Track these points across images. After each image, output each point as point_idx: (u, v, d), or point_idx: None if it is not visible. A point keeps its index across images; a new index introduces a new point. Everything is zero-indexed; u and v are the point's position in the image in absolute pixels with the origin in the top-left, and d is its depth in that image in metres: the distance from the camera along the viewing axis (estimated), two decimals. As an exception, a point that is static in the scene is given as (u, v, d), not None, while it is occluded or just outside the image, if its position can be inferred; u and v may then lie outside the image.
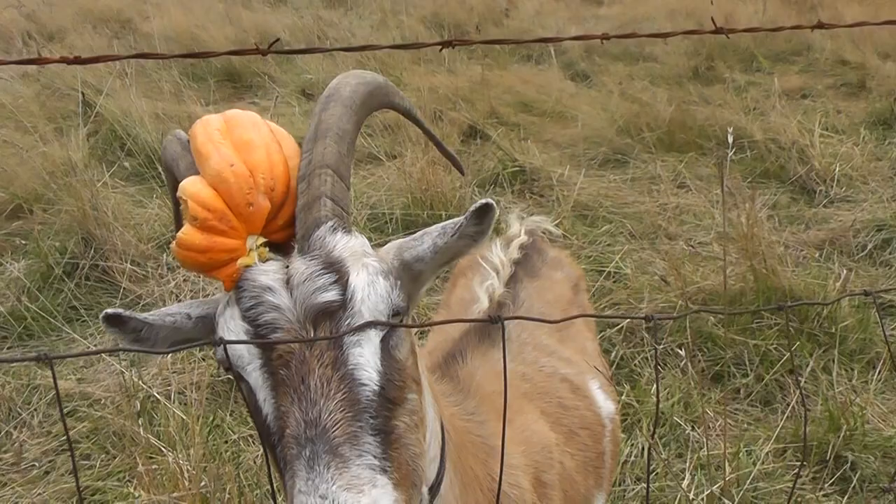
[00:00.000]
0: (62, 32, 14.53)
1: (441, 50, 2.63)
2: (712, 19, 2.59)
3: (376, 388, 1.70)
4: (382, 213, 7.45)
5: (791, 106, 10.59)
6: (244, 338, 1.71)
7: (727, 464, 4.55)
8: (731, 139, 5.57)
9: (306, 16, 16.21)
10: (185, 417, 4.69)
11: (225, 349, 1.70)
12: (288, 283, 1.71)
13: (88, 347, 5.97)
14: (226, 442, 4.73)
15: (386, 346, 1.75)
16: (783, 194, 8.40)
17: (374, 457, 1.63)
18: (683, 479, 4.52)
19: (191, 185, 1.75)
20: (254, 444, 4.79)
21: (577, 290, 3.87)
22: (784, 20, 15.25)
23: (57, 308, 6.43)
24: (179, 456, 4.10)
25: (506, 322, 3.17)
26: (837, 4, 16.17)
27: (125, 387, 5.13)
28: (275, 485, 1.76)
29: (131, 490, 4.29)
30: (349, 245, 1.77)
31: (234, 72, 12.52)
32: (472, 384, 2.74)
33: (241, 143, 1.79)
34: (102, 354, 5.91)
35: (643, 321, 1.56)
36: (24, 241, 7.60)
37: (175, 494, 3.83)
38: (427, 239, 1.89)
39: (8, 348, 6.27)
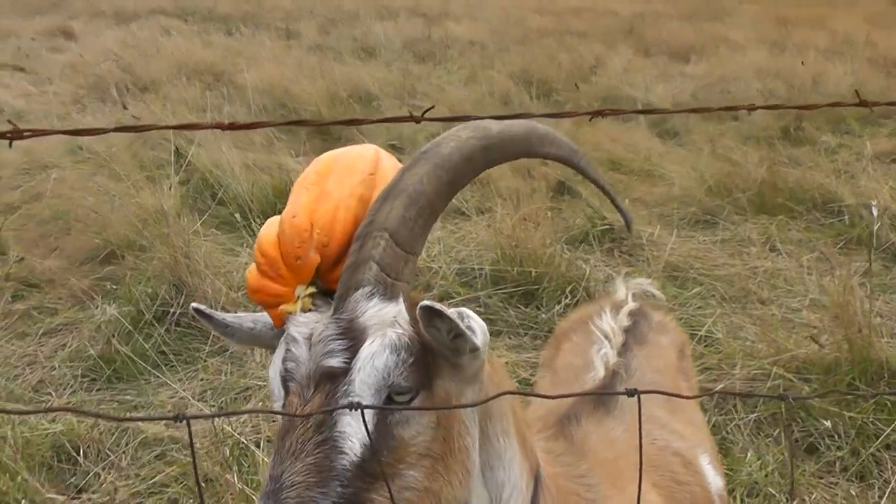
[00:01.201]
0: (156, 84, 14.92)
1: (591, 119, 2.60)
2: (856, 92, 2.53)
3: (355, 459, 1.66)
4: (472, 269, 7.44)
5: (882, 169, 10.39)
6: (278, 379, 1.79)
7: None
8: (875, 211, 5.44)
9: (396, 70, 16.43)
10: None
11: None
12: (310, 338, 1.76)
13: (178, 392, 6.04)
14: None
15: (384, 422, 1.72)
16: (875, 262, 8.19)
17: None
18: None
19: (264, 229, 1.90)
20: None
21: (683, 356, 3.81)
22: (873, 81, 15.04)
23: (146, 353, 6.52)
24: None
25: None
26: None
27: (215, 433, 5.15)
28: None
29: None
30: (381, 312, 1.75)
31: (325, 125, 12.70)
32: (586, 447, 2.72)
33: (322, 194, 1.86)
34: (192, 398, 5.99)
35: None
36: (114, 286, 7.76)
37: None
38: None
39: (97, 390, 6.38)
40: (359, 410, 1.62)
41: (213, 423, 5.31)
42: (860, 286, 7.46)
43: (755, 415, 5.58)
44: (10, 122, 1.48)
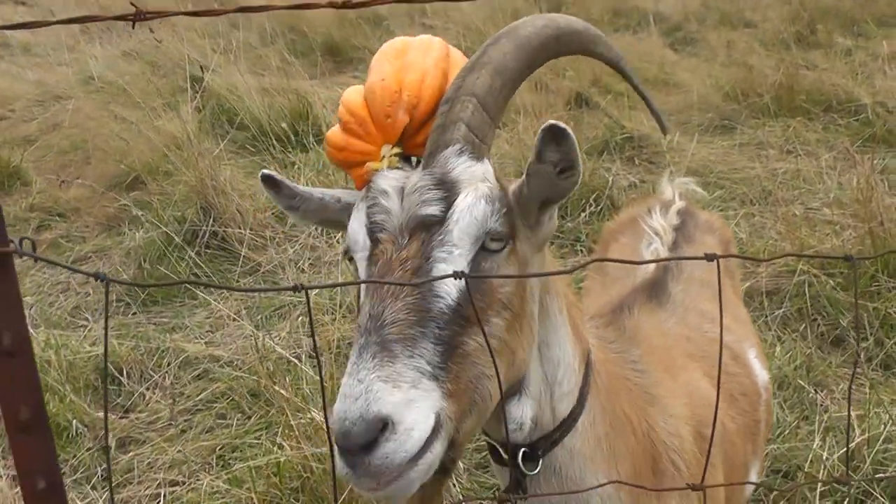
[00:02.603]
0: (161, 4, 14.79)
1: None
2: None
3: (451, 302, 1.75)
4: (495, 181, 7.51)
5: (893, 70, 10.35)
6: (363, 231, 1.86)
7: (856, 426, 4.53)
8: None
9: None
10: (316, 377, 4.82)
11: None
12: (402, 191, 1.83)
13: (217, 310, 6.16)
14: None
15: (478, 266, 1.82)
16: (892, 158, 8.22)
17: (428, 363, 1.68)
18: (813, 440, 4.50)
19: (347, 93, 1.98)
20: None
21: (728, 253, 3.90)
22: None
23: (179, 275, 6.62)
24: (320, 413, 4.23)
25: (672, 285, 3.22)
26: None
27: (257, 348, 5.28)
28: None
29: (277, 444, 4.42)
30: (471, 169, 1.84)
31: (336, 46, 12.69)
32: (639, 335, 2.79)
33: (405, 65, 1.93)
34: (227, 318, 6.11)
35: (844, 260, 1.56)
36: (140, 212, 7.84)
37: (324, 449, 3.95)
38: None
39: (133, 314, 6.51)
40: (455, 258, 1.78)
41: (254, 340, 5.43)
42: (878, 183, 7.53)
43: (782, 310, 5.68)
44: (132, 3, 1.53)
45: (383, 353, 1.64)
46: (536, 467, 2.10)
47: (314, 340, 1.69)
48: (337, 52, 12.65)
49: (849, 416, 2.23)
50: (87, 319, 6.39)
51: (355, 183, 1.96)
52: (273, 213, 7.30)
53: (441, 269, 1.76)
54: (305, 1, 1.90)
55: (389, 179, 1.87)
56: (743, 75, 10.01)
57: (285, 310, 6.16)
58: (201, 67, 9.71)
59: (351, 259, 1.92)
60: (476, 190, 1.82)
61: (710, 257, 1.87)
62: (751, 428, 3.15)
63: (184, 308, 6.48)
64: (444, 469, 1.78)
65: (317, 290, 6.04)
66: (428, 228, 1.79)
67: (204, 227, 7.03)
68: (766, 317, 5.62)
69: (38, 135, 10.19)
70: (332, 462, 1.64)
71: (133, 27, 1.70)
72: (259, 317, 6.05)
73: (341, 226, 2.08)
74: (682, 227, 3.61)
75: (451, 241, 1.79)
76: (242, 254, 6.82)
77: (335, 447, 1.63)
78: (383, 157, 1.90)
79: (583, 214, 7.11)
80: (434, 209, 1.79)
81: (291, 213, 2.13)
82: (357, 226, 1.88)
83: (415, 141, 1.94)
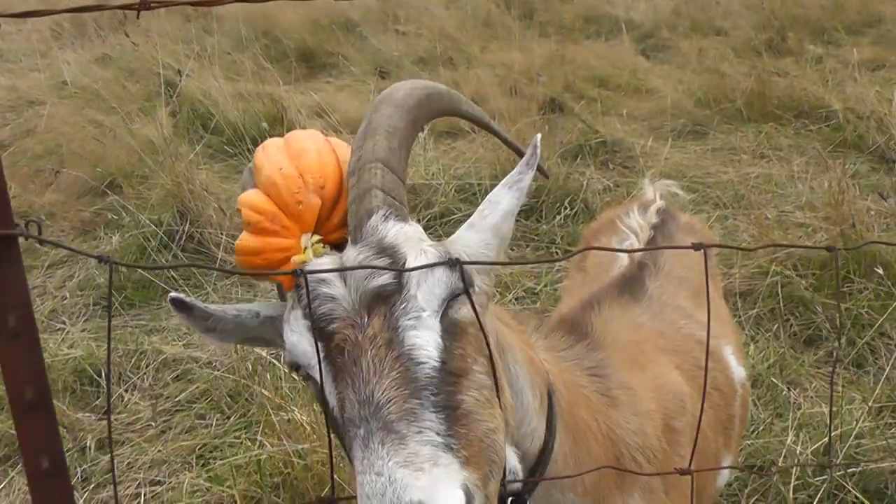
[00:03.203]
0: (133, 18, 14.70)
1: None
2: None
3: (437, 363, 1.66)
4: (470, 185, 7.56)
5: (867, 76, 10.50)
6: (307, 334, 1.71)
7: (830, 422, 4.61)
8: None
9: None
10: (295, 377, 4.84)
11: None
12: (341, 273, 1.71)
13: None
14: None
15: (446, 317, 1.72)
16: (862, 164, 8.35)
17: (437, 433, 1.58)
18: (787, 437, 4.58)
19: (245, 195, 1.83)
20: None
21: (708, 256, 3.95)
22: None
23: (156, 278, 6.62)
24: (301, 412, 4.25)
25: (649, 282, 3.27)
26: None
27: (235, 349, 5.29)
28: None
29: (257, 441, 4.44)
30: (403, 231, 1.76)
31: (309, 52, 12.70)
32: (605, 335, 2.78)
33: (294, 152, 1.84)
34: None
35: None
36: (115, 216, 7.83)
37: (306, 446, 3.98)
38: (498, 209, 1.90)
39: (110, 317, 6.49)
40: (425, 321, 1.68)
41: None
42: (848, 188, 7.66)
43: (755, 310, 5.77)
44: None
45: (391, 436, 1.54)
46: None
47: (312, 322, 1.67)
48: (310, 58, 12.66)
49: (830, 403, 2.29)
50: (63, 323, 6.36)
51: (283, 285, 1.82)
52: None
53: (413, 335, 1.66)
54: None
55: (322, 266, 1.74)
56: (715, 82, 10.15)
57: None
58: (178, 71, 9.70)
59: (298, 370, 1.79)
60: (424, 252, 1.74)
61: (696, 246, 1.90)
62: (723, 422, 3.19)
63: (161, 311, 6.47)
64: None
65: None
66: (385, 300, 1.68)
67: (180, 231, 7.04)
68: (741, 317, 5.70)
69: (11, 140, 10.13)
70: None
71: (137, 17, 1.69)
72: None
73: (265, 342, 1.99)
74: (663, 227, 3.66)
75: (416, 306, 1.69)
76: (220, 257, 6.82)
77: None
78: (305, 247, 1.78)
79: (557, 217, 7.18)
80: (386, 278, 1.68)
81: (209, 336, 1.94)
82: (297, 335, 1.75)
83: (330, 224, 1.86)
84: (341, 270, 1.69)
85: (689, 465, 2.12)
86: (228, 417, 5.02)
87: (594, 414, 2.37)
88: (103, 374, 5.53)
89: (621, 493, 2.39)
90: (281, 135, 1.91)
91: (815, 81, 10.11)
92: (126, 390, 5.50)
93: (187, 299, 1.87)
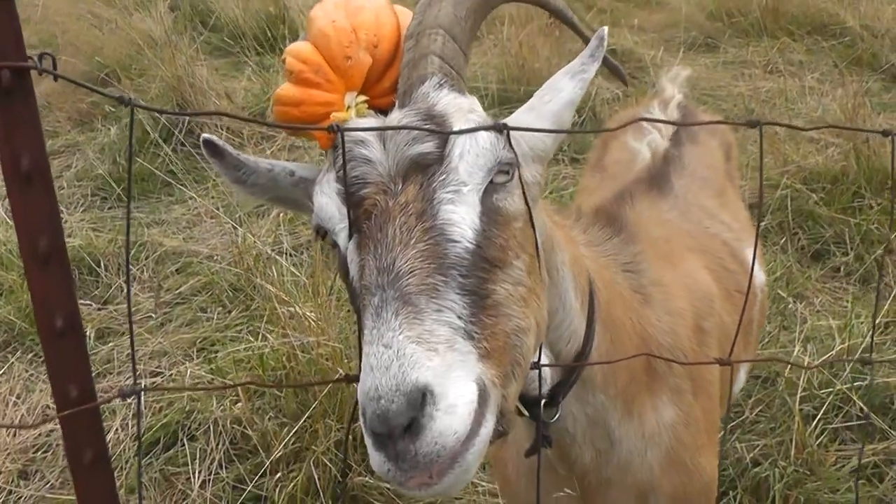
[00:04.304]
0: None
1: None
2: None
3: (470, 245, 1.53)
4: (478, 88, 7.41)
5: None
6: (336, 198, 1.60)
7: (836, 336, 4.58)
8: None
9: None
10: (298, 273, 4.78)
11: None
12: (382, 134, 1.60)
13: (195, 206, 6.08)
14: (338, 299, 4.79)
15: (488, 202, 1.60)
16: (875, 82, 8.22)
17: (459, 317, 1.45)
18: (793, 349, 4.54)
19: (292, 46, 1.71)
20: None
21: (729, 157, 3.89)
22: None
23: (156, 170, 6.50)
24: (304, 307, 4.19)
25: (674, 179, 3.19)
26: None
27: (237, 244, 5.21)
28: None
29: (259, 335, 4.39)
30: (456, 101, 1.64)
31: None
32: (639, 228, 2.71)
33: (352, 9, 1.72)
34: (205, 215, 6.02)
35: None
36: (112, 109, 7.69)
37: (311, 339, 3.92)
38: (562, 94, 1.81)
39: (109, 208, 6.42)
40: (464, 196, 1.57)
41: (234, 235, 5.35)
42: (861, 106, 7.55)
43: (763, 223, 5.70)
44: None
45: (407, 308, 1.41)
46: (556, 414, 2.04)
47: (345, 184, 1.55)
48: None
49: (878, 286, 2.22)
50: (61, 213, 6.20)
51: (319, 142, 1.68)
52: (251, 113, 7.18)
53: (448, 210, 1.53)
54: None
55: (365, 126, 1.62)
56: (728, -5, 9.94)
57: (263, 209, 6.08)
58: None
59: (325, 236, 1.68)
60: (470, 122, 1.62)
61: (752, 123, 1.82)
62: (745, 326, 3.15)
63: (160, 204, 6.40)
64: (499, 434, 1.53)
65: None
66: (424, 170, 1.56)
67: (180, 126, 6.90)
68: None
69: (5, 30, 9.88)
70: (345, 447, 1.53)
71: None
72: (238, 215, 5.96)
73: (295, 205, 1.89)
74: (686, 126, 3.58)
75: (457, 178, 1.57)
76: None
77: (368, 439, 1.39)
78: (348, 106, 1.67)
79: (565, 126, 7.07)
80: (428, 145, 1.56)
81: (238, 186, 1.85)
82: (326, 198, 1.63)
83: (380, 87, 1.74)
84: (379, 129, 1.57)
85: (729, 355, 2.06)
86: (230, 311, 4.97)
87: (628, 312, 2.32)
88: (101, 265, 5.46)
89: (651, 395, 2.35)
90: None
91: (829, -3, 9.93)
92: (125, 282, 5.43)
93: (220, 143, 1.79)
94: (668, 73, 4.08)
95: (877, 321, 4.77)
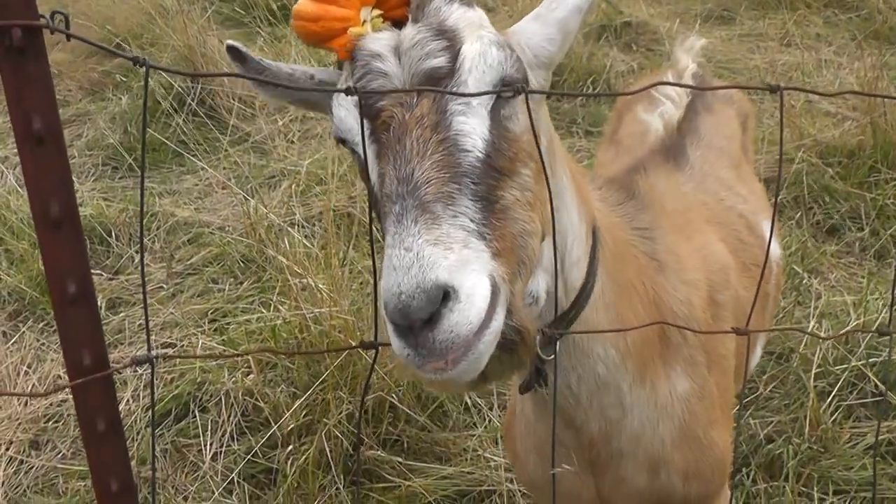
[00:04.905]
0: None
1: None
2: None
3: (480, 154, 1.64)
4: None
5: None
6: (354, 110, 1.69)
7: (852, 311, 4.54)
8: None
9: None
10: (310, 245, 4.76)
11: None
12: (397, 49, 1.69)
13: (206, 177, 6.05)
14: (350, 271, 4.77)
15: (497, 116, 1.70)
16: (893, 55, 8.12)
17: (472, 220, 1.57)
18: (808, 325, 4.51)
19: None
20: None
21: (745, 128, 3.84)
22: None
23: (167, 140, 6.47)
24: (317, 277, 4.17)
25: (691, 150, 3.15)
26: None
27: (248, 215, 5.18)
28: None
29: (272, 306, 4.37)
30: (466, 16, 1.73)
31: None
32: (653, 197, 2.69)
33: None
34: (217, 186, 6.00)
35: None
36: (123, 78, 7.65)
37: (323, 310, 3.91)
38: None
39: (120, 178, 6.40)
40: (474, 108, 1.66)
41: (246, 207, 5.32)
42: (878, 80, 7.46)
43: (779, 197, 5.64)
44: None
45: (425, 215, 1.53)
46: (553, 351, 2.01)
47: (364, 140, 1.57)
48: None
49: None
50: (72, 182, 6.23)
51: (338, 55, 1.76)
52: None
53: (460, 121, 1.64)
54: None
55: (379, 41, 1.71)
56: (743, -35, 9.81)
57: (275, 180, 6.06)
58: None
59: (345, 143, 1.78)
60: (481, 38, 1.70)
61: (773, 88, 1.80)
62: (761, 300, 3.11)
63: (171, 174, 6.37)
64: (509, 346, 1.67)
65: (308, 160, 5.94)
66: (437, 83, 1.65)
67: (192, 93, 6.86)
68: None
69: (15, -2, 9.82)
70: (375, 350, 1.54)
71: None
72: (249, 186, 5.93)
73: (313, 106, 1.99)
74: (702, 95, 3.52)
75: (466, 90, 1.66)
76: (231, 123, 6.67)
77: (389, 326, 1.50)
78: (364, 20, 1.74)
79: (580, 97, 7.00)
80: (440, 60, 1.66)
81: (261, 89, 1.94)
82: (344, 111, 1.73)
83: (393, 1, 1.80)
84: (392, 92, 1.56)
85: (747, 325, 2.03)
86: (241, 283, 4.95)
87: (641, 277, 2.30)
88: (112, 235, 5.45)
89: (664, 365, 2.33)
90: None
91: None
92: (136, 251, 5.42)
93: (243, 49, 1.86)
94: (682, 43, 4.01)
95: (894, 294, 4.73)
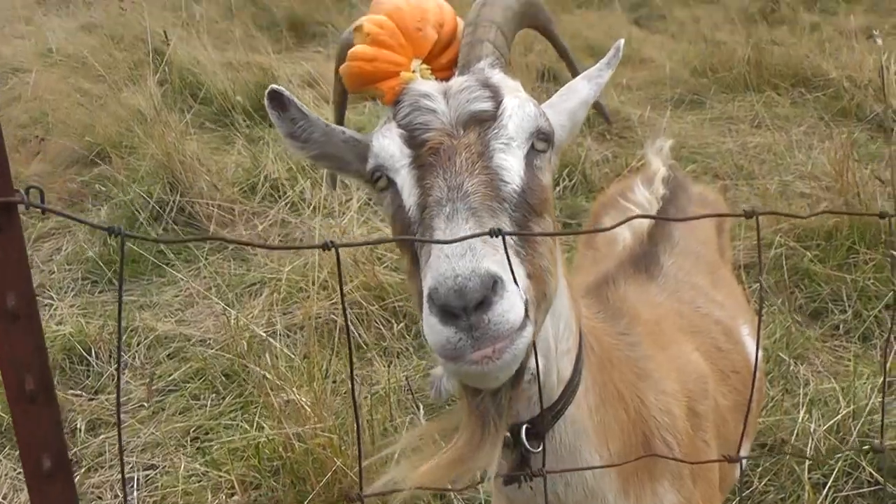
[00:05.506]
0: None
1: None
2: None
3: (517, 188, 1.77)
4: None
5: (862, 44, 10.40)
6: (398, 139, 1.84)
7: (841, 398, 4.51)
8: (879, 40, 5.46)
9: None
10: (292, 355, 4.72)
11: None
12: (446, 92, 1.85)
13: (186, 288, 6.02)
14: (334, 381, 4.72)
15: (530, 163, 1.84)
16: (861, 132, 8.25)
17: (511, 238, 1.67)
18: (798, 413, 4.47)
19: (368, 16, 1.97)
20: (363, 384, 4.79)
21: (721, 230, 3.85)
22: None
23: (146, 253, 6.45)
24: (299, 392, 4.12)
25: (664, 258, 3.15)
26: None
27: (230, 326, 5.14)
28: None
29: (255, 423, 4.31)
30: (506, 80, 1.91)
31: (299, 20, 12.47)
32: (625, 306, 2.70)
33: (417, 0, 2.01)
34: (197, 296, 5.97)
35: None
36: (104, 188, 7.65)
37: (306, 428, 3.85)
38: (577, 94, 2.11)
39: (99, 292, 6.34)
40: (513, 150, 1.82)
41: (227, 317, 5.30)
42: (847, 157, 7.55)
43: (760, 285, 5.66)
44: None
45: (475, 217, 1.64)
46: (540, 444, 2.02)
47: (343, 303, 1.58)
48: (300, 27, 12.45)
49: (885, 372, 2.17)
50: (51, 298, 6.19)
51: (385, 97, 1.93)
52: (241, 189, 7.15)
53: (501, 157, 1.79)
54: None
55: (428, 84, 1.90)
56: (711, 51, 10.03)
57: (256, 288, 6.03)
58: (165, 33, 9.49)
59: (379, 178, 1.89)
60: (519, 95, 1.88)
61: (748, 214, 1.84)
62: (742, 406, 3.09)
63: (152, 286, 6.32)
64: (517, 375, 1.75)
65: (288, 267, 5.92)
66: (481, 123, 1.81)
67: (171, 203, 6.87)
68: (745, 290, 5.59)
69: (-5, 109, 9.91)
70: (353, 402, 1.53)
71: None
72: (230, 295, 5.90)
73: (340, 163, 2.08)
74: (674, 199, 3.53)
75: (507, 133, 1.82)
76: (211, 230, 6.66)
77: (434, 318, 1.55)
78: (414, 70, 1.93)
79: (556, 189, 7.05)
80: (486, 105, 1.82)
81: (292, 141, 2.04)
82: (388, 140, 1.86)
83: (438, 62, 2.00)
84: (370, 244, 1.59)
85: (738, 451, 2.02)
86: (224, 398, 4.88)
87: (626, 383, 2.30)
88: (91, 353, 5.38)
89: (651, 480, 2.30)
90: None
91: (812, 49, 10.01)
92: (117, 369, 5.33)
93: (286, 93, 1.95)
94: (652, 145, 4.03)
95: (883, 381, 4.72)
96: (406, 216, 1.80)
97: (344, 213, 6.29)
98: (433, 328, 1.57)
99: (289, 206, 6.88)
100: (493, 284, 1.53)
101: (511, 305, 1.55)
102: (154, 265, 6.44)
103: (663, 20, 12.75)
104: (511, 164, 1.79)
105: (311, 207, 6.63)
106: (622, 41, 2.20)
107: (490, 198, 1.70)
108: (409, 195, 1.80)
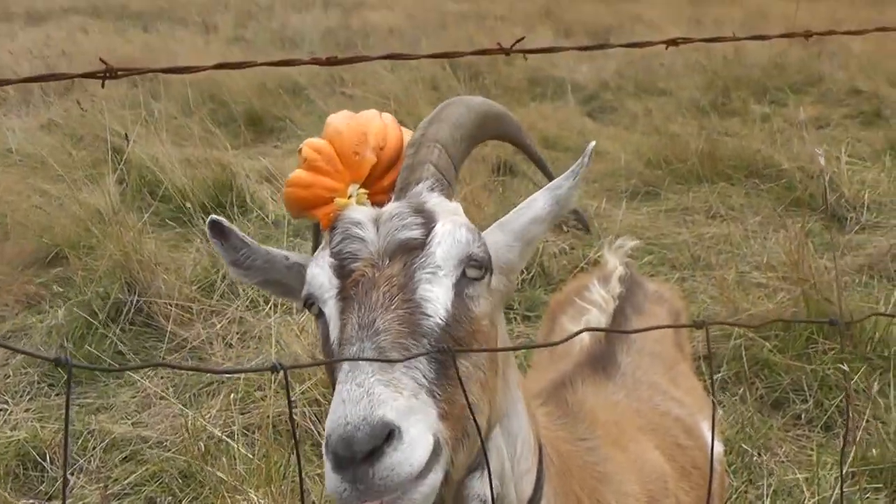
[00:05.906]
0: (81, 83, 14.54)
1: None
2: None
3: (440, 321, 1.72)
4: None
5: (812, 135, 10.65)
6: (328, 269, 1.80)
7: (805, 489, 4.51)
8: (822, 159, 5.58)
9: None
10: (251, 456, 4.65)
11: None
12: (377, 220, 1.83)
13: (143, 389, 5.94)
14: (293, 481, 4.65)
15: (461, 292, 1.79)
16: (815, 222, 8.39)
17: (424, 377, 1.62)
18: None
19: (309, 140, 1.98)
20: (321, 481, 4.72)
21: (679, 330, 3.87)
22: (792, 53, 15.29)
23: (103, 354, 6.38)
24: (257, 494, 4.05)
25: (621, 357, 3.17)
26: (843, 38, 16.27)
27: (187, 427, 5.07)
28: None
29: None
30: (443, 203, 1.86)
31: (257, 116, 12.55)
32: (583, 409, 2.72)
33: (364, 119, 2.00)
34: (154, 397, 5.88)
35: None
36: (61, 289, 7.58)
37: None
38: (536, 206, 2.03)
39: (56, 395, 6.23)
40: (440, 279, 1.76)
41: (184, 419, 5.23)
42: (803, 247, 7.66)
43: (720, 374, 5.69)
44: (102, 60, 1.45)
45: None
46: None
47: (293, 424, 1.56)
48: (258, 122, 12.53)
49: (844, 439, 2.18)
50: (6, 402, 6.07)
51: (321, 223, 1.92)
52: (199, 287, 7.11)
53: (426, 288, 1.74)
54: (287, 59, 1.85)
55: (361, 211, 1.86)
56: (664, 142, 10.20)
57: (214, 387, 5.96)
58: (126, 135, 9.51)
59: (312, 306, 1.87)
60: (454, 220, 1.83)
61: (698, 324, 1.83)
62: (704, 501, 3.08)
63: (108, 388, 6.22)
64: None
65: (250, 367, 5.87)
66: (409, 252, 1.77)
67: (128, 303, 6.81)
68: (705, 381, 5.61)
69: (-48, 209, 9.83)
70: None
71: (102, 86, 1.65)
72: (188, 395, 5.83)
73: (283, 289, 2.08)
74: (630, 297, 3.56)
75: (434, 262, 1.77)
76: (169, 329, 6.60)
77: (328, 461, 1.52)
78: (350, 194, 1.91)
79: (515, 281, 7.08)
80: (415, 233, 1.78)
81: (235, 268, 2.04)
82: (319, 269, 1.83)
83: (380, 185, 1.98)
84: (317, 364, 1.58)
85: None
86: (181, 501, 4.79)
87: (586, 488, 2.28)
88: (46, 458, 5.27)
89: None
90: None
91: (763, 140, 10.22)
92: (72, 473, 5.24)
93: (226, 224, 1.98)
94: (611, 244, 4.07)
95: (843, 472, 4.73)
96: (330, 349, 1.77)
97: (302, 311, 6.25)
98: (327, 472, 1.54)
99: (248, 302, 6.84)
100: (387, 434, 1.48)
101: (405, 457, 1.51)
102: (111, 366, 6.35)
103: (616, 112, 12.99)
104: (435, 296, 1.74)
105: (270, 304, 6.62)
106: (593, 144, 2.15)
107: (404, 334, 1.64)
108: (334, 328, 1.77)
